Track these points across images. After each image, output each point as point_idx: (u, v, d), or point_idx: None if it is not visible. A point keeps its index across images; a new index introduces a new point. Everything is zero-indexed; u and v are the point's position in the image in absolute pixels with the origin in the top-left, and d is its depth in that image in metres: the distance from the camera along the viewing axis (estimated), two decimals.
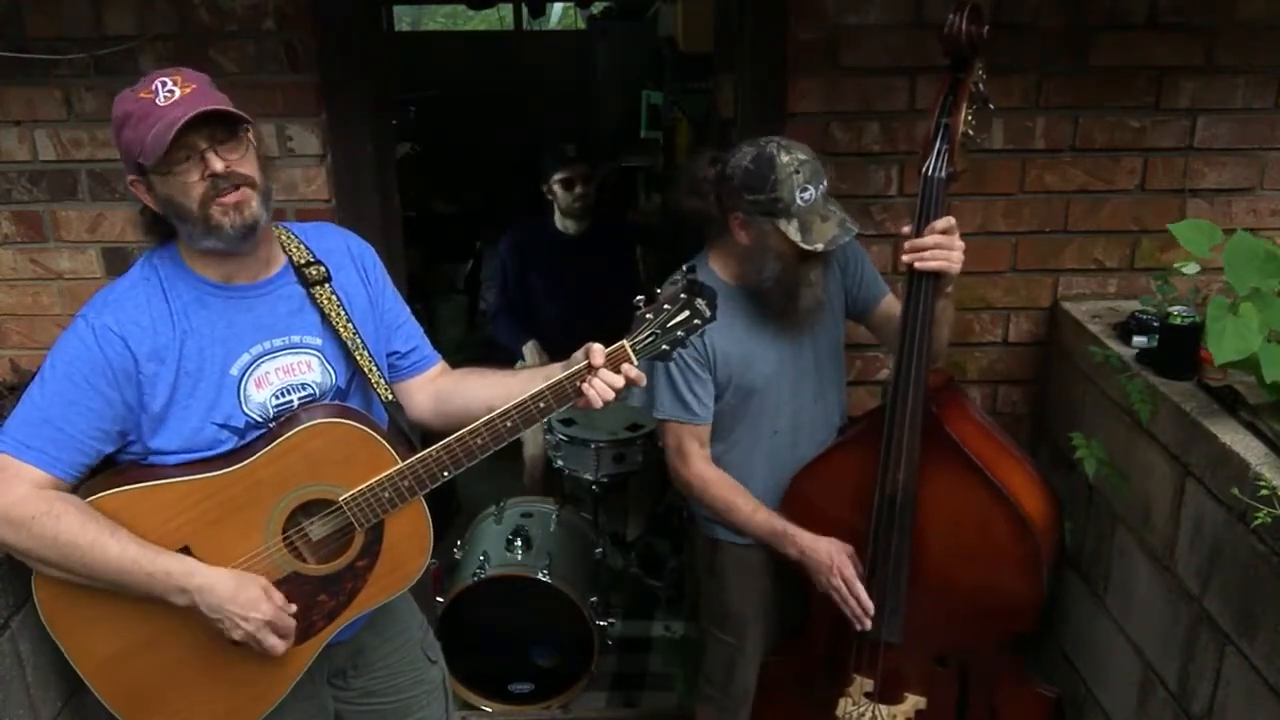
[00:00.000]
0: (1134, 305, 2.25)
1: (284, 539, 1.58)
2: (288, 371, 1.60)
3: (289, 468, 1.55)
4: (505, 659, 2.91)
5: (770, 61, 2.35)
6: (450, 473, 1.58)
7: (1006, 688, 2.05)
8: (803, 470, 2.04)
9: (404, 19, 9.85)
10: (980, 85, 1.79)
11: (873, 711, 2.08)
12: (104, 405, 1.50)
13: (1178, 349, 2.00)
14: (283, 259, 1.64)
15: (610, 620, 3.11)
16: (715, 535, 2.17)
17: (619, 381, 1.57)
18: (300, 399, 1.61)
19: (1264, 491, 1.57)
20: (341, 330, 1.63)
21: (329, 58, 2.30)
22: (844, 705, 2.10)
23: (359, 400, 1.69)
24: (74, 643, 1.59)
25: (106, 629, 1.58)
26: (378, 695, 1.86)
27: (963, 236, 1.81)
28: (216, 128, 1.47)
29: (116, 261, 2.40)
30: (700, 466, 2.05)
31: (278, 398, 1.59)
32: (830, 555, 1.96)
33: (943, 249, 1.78)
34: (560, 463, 3.26)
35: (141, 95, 1.46)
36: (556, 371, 1.59)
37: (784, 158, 1.88)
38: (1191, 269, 2.06)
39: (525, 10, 7.72)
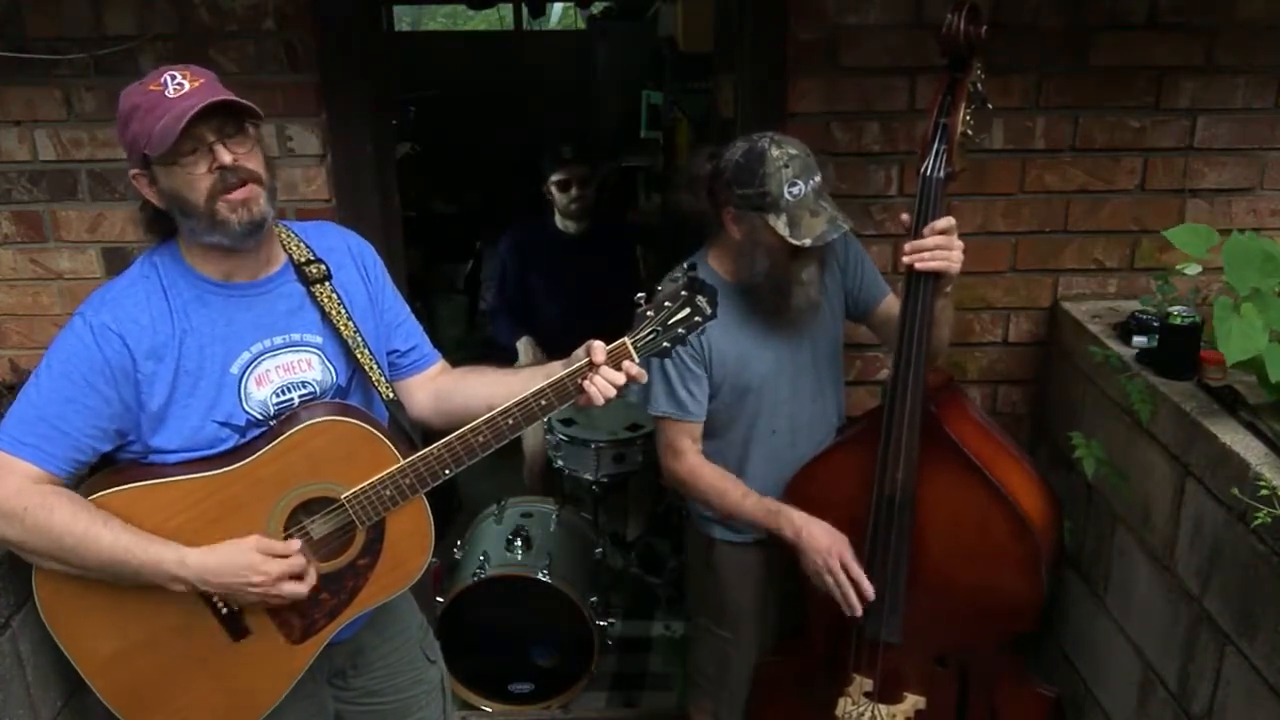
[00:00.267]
0: (1134, 305, 2.25)
1: (286, 537, 1.58)
2: (288, 370, 1.60)
3: (290, 466, 1.55)
4: (505, 659, 2.91)
5: (770, 61, 2.36)
6: (451, 470, 1.58)
7: (1006, 688, 2.05)
8: (801, 470, 2.04)
9: (404, 19, 9.86)
10: (979, 85, 1.79)
11: (872, 711, 2.08)
12: (101, 404, 1.50)
13: (1178, 349, 2.00)
14: (283, 257, 1.64)
15: (610, 620, 3.11)
16: (711, 533, 2.17)
17: (620, 379, 1.57)
18: (301, 397, 1.61)
19: (1264, 491, 1.58)
20: (342, 328, 1.63)
21: (329, 58, 2.30)
22: (844, 705, 2.10)
23: (359, 398, 1.69)
24: (75, 642, 1.59)
25: (107, 628, 1.58)
26: (377, 695, 1.86)
27: (962, 236, 1.81)
28: (225, 121, 1.47)
29: (116, 261, 2.40)
30: (691, 459, 2.05)
31: (278, 396, 1.59)
32: (829, 535, 1.94)
33: (943, 249, 1.78)
34: (560, 463, 3.26)
35: (150, 88, 1.46)
36: (558, 369, 1.59)
37: (774, 152, 1.88)
38: (1193, 270, 2.06)
39: (525, 10, 7.73)
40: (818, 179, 1.90)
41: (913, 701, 2.08)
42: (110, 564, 1.49)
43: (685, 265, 1.81)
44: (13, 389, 2.05)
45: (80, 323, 1.51)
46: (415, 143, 6.06)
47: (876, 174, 2.43)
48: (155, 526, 1.52)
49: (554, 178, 3.41)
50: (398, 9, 8.50)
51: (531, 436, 3.50)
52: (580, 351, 1.58)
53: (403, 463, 1.57)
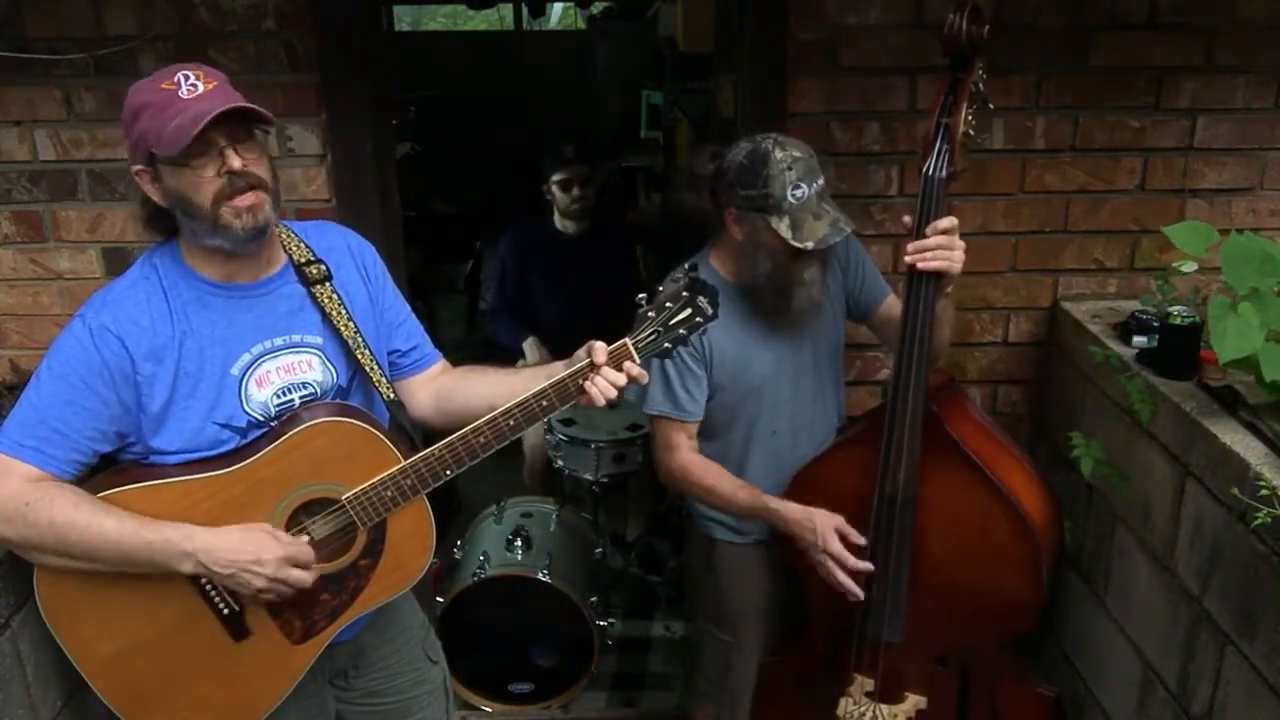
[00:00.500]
0: (1134, 305, 2.25)
1: None
2: (289, 371, 1.60)
3: (291, 467, 1.55)
4: (505, 659, 2.91)
5: (770, 61, 2.36)
6: (453, 471, 1.58)
7: (1007, 687, 2.06)
8: (802, 470, 2.04)
9: (404, 19, 9.85)
10: (980, 85, 1.79)
11: (873, 711, 2.08)
12: (100, 406, 1.50)
13: (1178, 349, 2.00)
14: (283, 258, 1.63)
15: (610, 620, 3.11)
16: (712, 534, 2.17)
17: (621, 379, 1.57)
18: (301, 398, 1.61)
19: (1264, 491, 1.58)
20: (342, 329, 1.63)
21: (329, 58, 2.30)
22: (844, 705, 2.10)
23: (360, 399, 1.69)
24: (76, 642, 1.59)
25: (108, 628, 1.58)
26: (379, 695, 1.86)
27: (963, 236, 1.81)
28: (237, 126, 1.47)
29: (116, 261, 2.40)
30: (684, 455, 2.06)
31: (279, 397, 1.59)
32: (815, 524, 1.92)
33: (945, 249, 1.78)
34: (560, 463, 3.26)
35: (162, 86, 1.45)
36: (559, 370, 1.59)
37: (778, 154, 1.88)
38: (1189, 268, 2.06)
39: (525, 10, 7.73)
40: (821, 182, 1.90)
41: (914, 701, 2.08)
42: (117, 550, 1.48)
43: (686, 265, 1.81)
44: (13, 389, 2.06)
45: (80, 325, 1.51)
46: (415, 143, 6.06)
47: (876, 174, 2.43)
48: None
49: (556, 178, 3.41)
50: (398, 9, 8.50)
51: (532, 436, 3.50)
52: (581, 352, 1.58)
53: (404, 463, 1.57)
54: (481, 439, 1.57)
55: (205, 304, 1.55)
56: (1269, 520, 1.54)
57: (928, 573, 1.94)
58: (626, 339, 1.58)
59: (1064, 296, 2.52)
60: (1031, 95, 2.38)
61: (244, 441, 1.57)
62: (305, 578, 1.54)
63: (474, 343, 5.26)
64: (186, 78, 1.45)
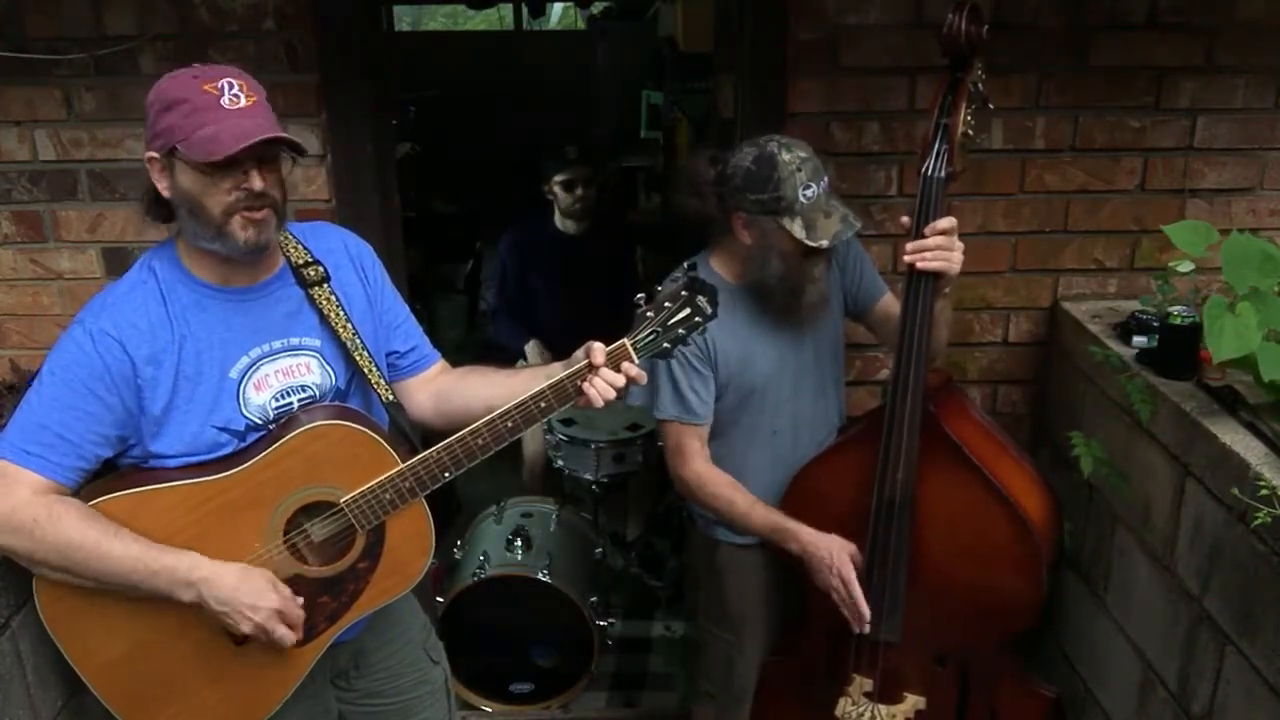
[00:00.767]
0: (1134, 305, 2.25)
1: (285, 541, 1.58)
2: (287, 374, 1.60)
3: (290, 470, 1.55)
4: (505, 659, 2.91)
5: (770, 61, 2.36)
6: (451, 473, 1.58)
7: (1006, 687, 2.06)
8: (802, 470, 2.04)
9: (404, 19, 9.86)
10: (979, 85, 1.79)
11: (872, 711, 2.08)
12: (102, 410, 1.50)
13: (1178, 349, 2.00)
14: (281, 260, 1.63)
15: (610, 620, 3.11)
16: (714, 535, 2.17)
17: (620, 380, 1.56)
18: (300, 400, 1.61)
19: (1264, 491, 1.57)
20: (340, 331, 1.63)
21: (329, 58, 2.30)
22: (844, 705, 2.10)
23: (359, 401, 1.68)
24: (76, 646, 1.59)
25: (108, 632, 1.58)
26: (380, 696, 1.86)
27: (963, 236, 1.81)
28: (267, 148, 1.47)
29: (116, 262, 2.40)
30: (699, 465, 2.05)
31: (277, 400, 1.59)
32: (831, 553, 1.95)
33: (943, 249, 1.78)
34: (560, 463, 3.26)
35: (205, 88, 1.44)
36: (557, 371, 1.58)
37: (785, 156, 1.88)
38: (1186, 267, 2.06)
39: (525, 10, 7.74)
40: (827, 180, 1.91)
41: (913, 701, 2.08)
42: (119, 574, 1.49)
43: (685, 265, 1.81)
44: (13, 389, 2.06)
45: (80, 330, 1.50)
46: (415, 143, 6.06)
47: (876, 174, 2.43)
48: (156, 531, 1.52)
49: (558, 178, 3.41)
50: (398, 9, 8.51)
51: (531, 437, 3.50)
52: (579, 353, 1.57)
53: (402, 466, 1.57)
54: (480, 441, 1.56)
55: (203, 307, 1.55)
56: (1269, 520, 1.54)
57: (926, 573, 1.94)
58: (625, 339, 1.57)
59: (1064, 296, 2.52)
60: (1031, 95, 2.37)
61: (242, 445, 1.57)
62: (289, 636, 1.55)
63: (474, 343, 5.27)
64: (230, 86, 1.45)
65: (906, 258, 1.80)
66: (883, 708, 2.08)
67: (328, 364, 1.64)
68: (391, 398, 1.68)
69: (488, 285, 5.03)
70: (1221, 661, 1.77)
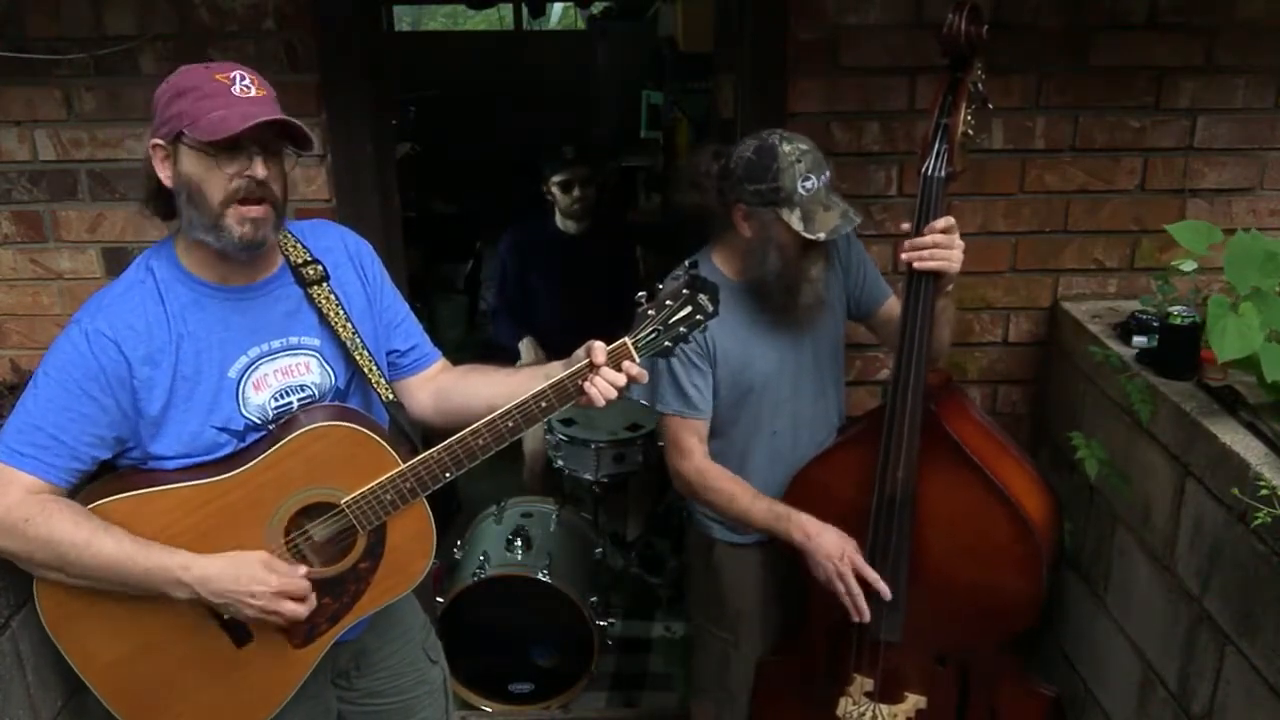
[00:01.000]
0: (1134, 305, 2.25)
1: (287, 542, 1.58)
2: (286, 373, 1.60)
3: (290, 471, 1.55)
4: (505, 659, 2.91)
5: (770, 61, 2.36)
6: (452, 474, 1.58)
7: (1007, 687, 2.06)
8: (802, 470, 2.04)
9: (404, 19, 9.86)
10: (979, 85, 1.79)
11: (873, 711, 2.08)
12: (98, 412, 1.49)
13: (1178, 349, 2.00)
14: (279, 259, 1.63)
15: (610, 620, 3.11)
16: (710, 533, 2.17)
17: (621, 379, 1.56)
18: (299, 400, 1.61)
19: (1264, 491, 1.57)
20: (340, 330, 1.63)
21: (329, 58, 2.30)
22: (844, 705, 2.10)
23: (359, 400, 1.68)
24: (78, 650, 1.59)
25: (110, 635, 1.58)
26: (380, 696, 1.86)
27: (963, 236, 1.81)
28: (272, 139, 1.48)
29: (116, 261, 2.40)
30: (699, 461, 2.05)
31: (277, 400, 1.59)
32: (838, 542, 1.94)
33: (942, 249, 1.78)
34: (560, 463, 3.26)
35: (217, 77, 1.46)
36: (558, 370, 1.58)
37: (786, 148, 1.89)
38: (1189, 266, 2.06)
39: (525, 10, 7.74)
40: (827, 174, 1.91)
41: (913, 701, 2.08)
42: (113, 572, 1.48)
43: (687, 263, 1.81)
44: (13, 389, 2.06)
45: (76, 331, 1.50)
46: (415, 143, 6.06)
47: (876, 174, 2.43)
48: (156, 534, 1.51)
49: (557, 178, 3.41)
50: (398, 9, 8.51)
51: (532, 437, 3.50)
52: (580, 352, 1.57)
53: (402, 467, 1.57)
54: (480, 441, 1.56)
55: (202, 306, 1.55)
56: (1269, 520, 1.54)
57: (927, 572, 1.94)
58: (626, 338, 1.57)
59: (1064, 296, 2.52)
60: (1031, 95, 2.37)
61: (241, 445, 1.57)
62: (299, 610, 1.54)
63: (474, 343, 5.27)
64: (242, 78, 1.47)
65: (905, 256, 1.80)
66: (884, 707, 2.08)
67: (327, 363, 1.64)
68: (391, 397, 1.68)
69: (488, 285, 5.03)
70: (1221, 661, 1.77)
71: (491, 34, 9.45)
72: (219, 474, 1.53)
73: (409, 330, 1.79)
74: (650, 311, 1.58)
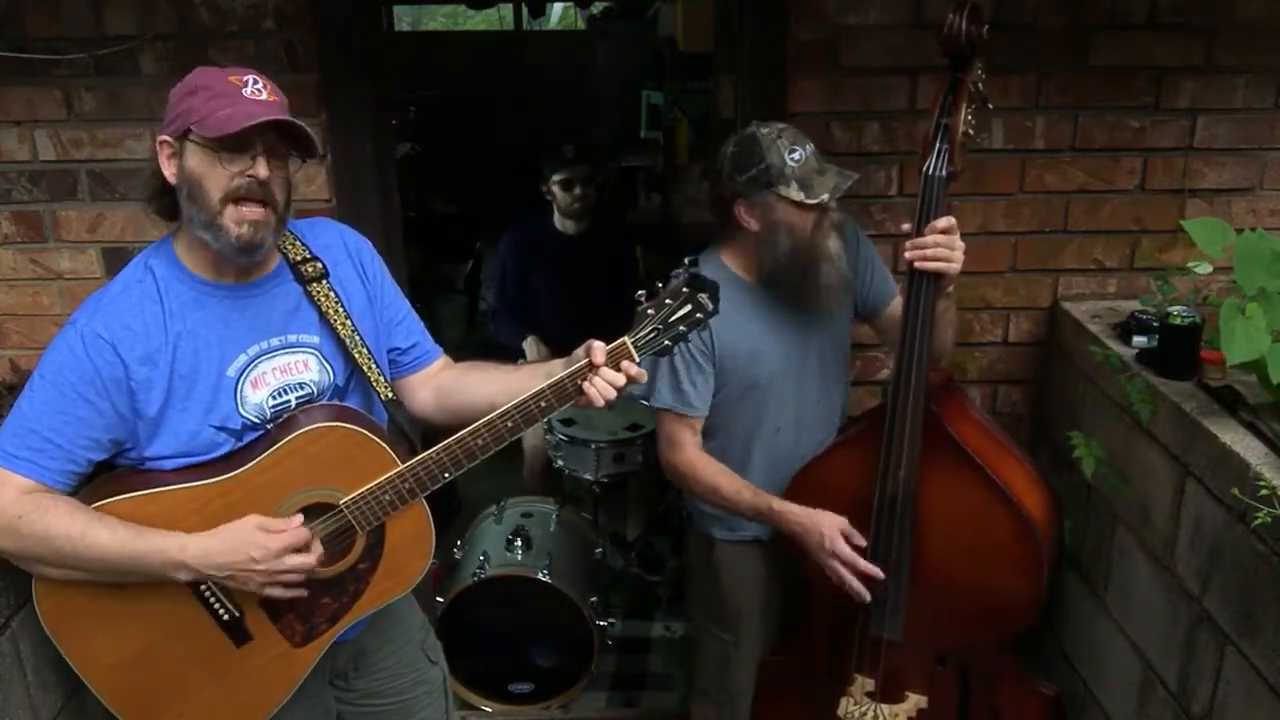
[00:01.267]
0: (1134, 305, 2.25)
1: None
2: (285, 371, 1.60)
3: (288, 472, 1.55)
4: (505, 659, 2.91)
5: (770, 61, 2.36)
6: (451, 474, 1.57)
7: (1007, 687, 2.05)
8: (803, 469, 2.04)
9: (404, 19, 9.86)
10: (980, 85, 1.79)
11: (874, 711, 2.08)
12: (93, 414, 1.49)
13: (1178, 349, 2.00)
14: (278, 256, 1.63)
15: (610, 620, 3.11)
16: (710, 532, 2.17)
17: (620, 379, 1.55)
18: (298, 399, 1.61)
19: (1264, 491, 1.57)
20: (339, 327, 1.63)
21: (329, 58, 2.30)
22: (845, 705, 2.10)
23: (358, 399, 1.68)
24: (78, 650, 1.59)
25: (110, 636, 1.58)
26: (379, 696, 1.85)
27: (963, 236, 1.81)
28: (277, 144, 1.49)
29: (116, 261, 2.39)
30: (690, 452, 2.06)
31: (275, 398, 1.59)
32: (820, 527, 1.93)
33: (943, 248, 1.78)
34: (560, 463, 3.26)
35: (230, 79, 1.48)
36: (558, 369, 1.58)
37: (763, 130, 1.94)
38: (1205, 269, 2.04)
39: (525, 10, 7.74)
40: (811, 145, 1.94)
41: (914, 701, 2.08)
42: (111, 561, 1.48)
43: (687, 261, 1.81)
44: (13, 389, 2.05)
45: (72, 332, 1.49)
46: (415, 143, 6.06)
47: (877, 174, 2.43)
48: None
49: (557, 178, 3.41)
50: (398, 9, 8.51)
51: (531, 436, 3.50)
52: (580, 352, 1.56)
53: (402, 467, 1.56)
54: (479, 441, 1.56)
55: (201, 304, 1.54)
56: (1269, 520, 1.54)
57: (928, 572, 1.94)
58: (625, 338, 1.56)
59: (1064, 296, 2.52)
60: (1031, 95, 2.37)
61: (239, 444, 1.57)
62: (305, 561, 1.52)
63: (474, 343, 5.26)
64: (254, 81, 1.49)
65: (906, 255, 1.81)
66: (885, 707, 2.08)
67: (326, 361, 1.63)
68: (390, 396, 1.67)
69: (488, 285, 5.03)
70: (1221, 661, 1.77)
71: (491, 34, 9.45)
72: (218, 475, 1.53)
73: (410, 328, 1.78)
74: (650, 311, 1.57)
